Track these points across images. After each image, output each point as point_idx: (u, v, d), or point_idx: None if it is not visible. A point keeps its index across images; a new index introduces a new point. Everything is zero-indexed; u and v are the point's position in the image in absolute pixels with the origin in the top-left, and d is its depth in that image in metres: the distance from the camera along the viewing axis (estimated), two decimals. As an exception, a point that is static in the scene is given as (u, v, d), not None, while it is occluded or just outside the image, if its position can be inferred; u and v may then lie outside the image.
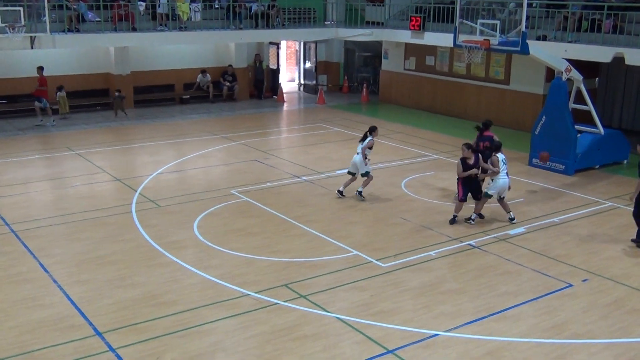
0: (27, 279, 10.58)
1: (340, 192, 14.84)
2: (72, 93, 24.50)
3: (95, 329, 9.01)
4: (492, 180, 13.25)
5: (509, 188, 13.43)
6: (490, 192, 13.22)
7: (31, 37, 20.49)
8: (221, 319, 9.35)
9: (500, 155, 13.16)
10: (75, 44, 22.42)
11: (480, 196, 13.23)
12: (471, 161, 13.05)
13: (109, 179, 16.16)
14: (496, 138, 13.85)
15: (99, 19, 22.54)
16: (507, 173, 13.20)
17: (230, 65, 27.59)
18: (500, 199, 13.41)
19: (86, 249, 11.80)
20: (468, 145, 13.24)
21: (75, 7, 22.12)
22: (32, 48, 20.80)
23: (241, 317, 9.43)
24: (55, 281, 10.49)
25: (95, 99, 25.19)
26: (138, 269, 10.99)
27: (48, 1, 20.43)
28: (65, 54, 24.19)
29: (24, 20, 20.07)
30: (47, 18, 20.36)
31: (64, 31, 21.61)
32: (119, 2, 22.98)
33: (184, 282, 10.51)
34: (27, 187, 15.47)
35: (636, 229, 12.34)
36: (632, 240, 12.48)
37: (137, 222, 13.18)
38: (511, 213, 13.51)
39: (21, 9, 19.86)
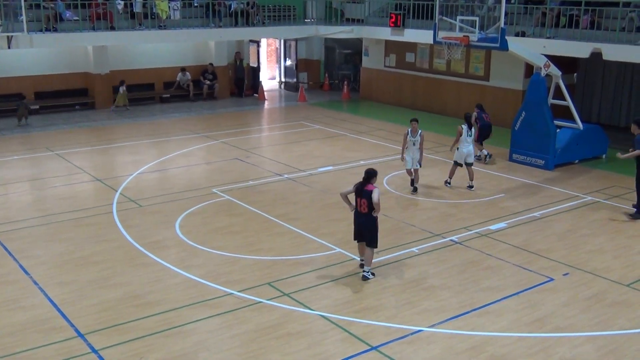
0: (7, 281, 10.47)
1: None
2: (50, 93, 24.33)
3: (77, 331, 8.95)
4: (457, 149, 15.37)
5: (479, 157, 16.45)
6: (458, 161, 15.42)
7: (8, 36, 20.22)
8: (204, 318, 9.32)
9: (464, 127, 15.25)
10: (53, 43, 22.19)
11: (375, 243, 10.74)
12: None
13: (89, 180, 16.03)
14: (471, 114, 16.34)
15: (77, 18, 22.33)
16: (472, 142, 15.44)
17: (211, 64, 27.48)
18: (467, 164, 15.35)
19: (67, 250, 11.70)
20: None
21: (52, 6, 21.89)
22: (9, 48, 20.52)
23: (225, 316, 9.41)
24: (36, 283, 10.39)
25: (74, 99, 24.96)
26: (120, 270, 10.92)
27: (25, 0, 20.21)
28: (43, 53, 23.94)
29: (1, 19, 19.83)
30: (24, 17, 20.12)
31: (41, 30, 21.37)
32: (96, 1, 22.77)
33: (166, 282, 10.47)
34: (6, 189, 15.29)
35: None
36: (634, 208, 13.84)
37: (119, 223, 13.09)
38: (472, 182, 15.39)
39: (-3, 8, 19.66)
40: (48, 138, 20.35)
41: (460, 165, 15.43)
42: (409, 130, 14.85)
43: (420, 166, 15.01)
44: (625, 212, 13.98)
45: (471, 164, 15.43)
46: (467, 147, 15.29)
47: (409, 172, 15.24)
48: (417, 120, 14.81)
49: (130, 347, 8.56)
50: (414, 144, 14.81)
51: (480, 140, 17.42)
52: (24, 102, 22.68)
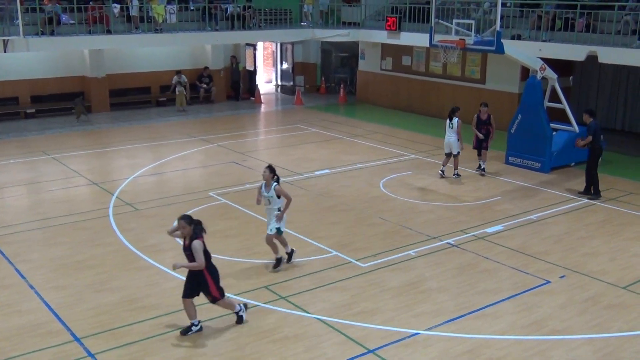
0: (3, 285, 10.44)
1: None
2: (46, 96, 24.30)
3: (73, 335, 8.92)
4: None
5: (462, 148, 16.42)
6: (446, 151, 16.49)
7: (4, 40, 20.20)
8: (201, 322, 9.29)
9: (455, 120, 16.21)
10: (49, 47, 22.16)
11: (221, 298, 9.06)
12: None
13: (85, 183, 16.00)
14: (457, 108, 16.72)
15: (73, 22, 22.30)
16: (456, 134, 16.17)
17: (207, 67, 27.48)
18: (450, 155, 16.46)
19: (63, 254, 11.67)
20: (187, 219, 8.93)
21: (51, 9, 21.80)
22: (5, 52, 20.52)
23: (221, 319, 9.39)
24: (32, 287, 10.36)
25: (70, 103, 24.86)
26: (116, 273, 10.90)
27: (21, 4, 20.19)
28: (39, 57, 23.92)
29: (-3, 23, 19.84)
30: (20, 21, 20.10)
31: (37, 34, 21.34)
32: (93, 5, 22.75)
33: (163, 286, 10.45)
34: (2, 193, 15.26)
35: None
36: (579, 192, 15.29)
37: (115, 226, 13.07)
38: (457, 171, 16.55)
39: (-7, 12, 19.63)
40: (44, 142, 20.31)
41: (448, 154, 16.52)
42: (262, 184, 10.81)
43: (276, 232, 10.78)
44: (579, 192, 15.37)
45: (451, 155, 16.47)
46: (448, 137, 16.29)
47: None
48: (271, 169, 10.66)
49: (126, 351, 8.54)
50: (269, 202, 10.76)
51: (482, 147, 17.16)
52: (80, 99, 23.56)
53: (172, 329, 9.11)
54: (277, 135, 22.35)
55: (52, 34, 21.65)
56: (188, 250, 8.72)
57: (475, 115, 17.04)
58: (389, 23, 24.63)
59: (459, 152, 16.45)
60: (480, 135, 16.74)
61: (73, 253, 11.72)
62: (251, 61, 29.31)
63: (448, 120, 16.34)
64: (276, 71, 31.96)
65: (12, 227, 13.01)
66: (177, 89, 25.60)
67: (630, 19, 18.36)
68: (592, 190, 15.12)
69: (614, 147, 19.49)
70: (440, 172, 16.66)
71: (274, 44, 31.48)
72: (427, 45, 18.51)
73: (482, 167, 17.11)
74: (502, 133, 18.69)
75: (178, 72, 26.64)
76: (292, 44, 29.84)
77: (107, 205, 14.32)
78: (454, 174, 16.57)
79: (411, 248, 12.07)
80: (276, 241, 10.98)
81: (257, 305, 9.78)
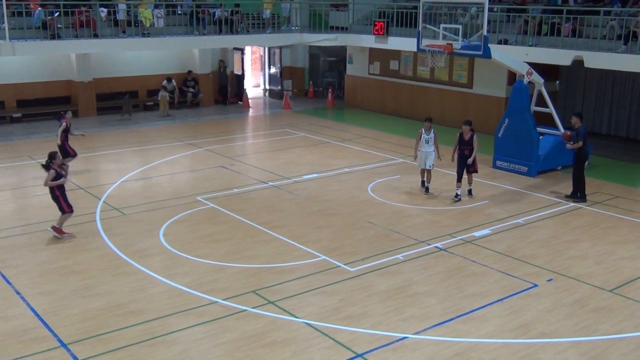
0: (-12, 291, 10.36)
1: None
2: (33, 101, 24.16)
3: (60, 341, 8.86)
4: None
5: (415, 157, 15.64)
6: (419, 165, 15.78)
7: (-10, 44, 20.10)
8: (189, 327, 9.26)
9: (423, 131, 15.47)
10: (35, 51, 22.03)
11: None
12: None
13: (72, 188, 15.88)
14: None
15: (60, 26, 22.19)
16: (432, 146, 15.43)
17: (190, 71, 27.42)
18: (427, 170, 15.64)
19: (49, 259, 11.59)
20: None
21: (43, 17, 21.67)
22: (-10, 55, 20.42)
23: (209, 324, 9.36)
24: (17, 292, 10.28)
25: (57, 107, 24.67)
26: (103, 279, 10.83)
27: (7, 8, 20.07)
28: (25, 61, 23.77)
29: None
30: (6, 25, 19.99)
31: (31, 38, 21.20)
32: (80, 9, 22.66)
33: (150, 291, 10.40)
34: (-13, 197, 15.16)
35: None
36: (566, 196, 15.36)
37: (102, 231, 13.00)
38: (428, 184, 15.70)
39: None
40: (30, 146, 20.17)
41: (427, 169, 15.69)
42: None
43: None
44: (565, 195, 15.47)
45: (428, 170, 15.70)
46: (422, 151, 15.51)
47: None
48: None
49: (113, 357, 8.49)
50: None
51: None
52: (128, 98, 24.54)
53: (159, 334, 9.07)
54: (265, 139, 22.34)
55: (53, 37, 21.52)
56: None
57: (458, 135, 15.28)
58: (376, 27, 24.69)
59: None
60: (453, 159, 15.32)
61: (59, 258, 11.64)
62: (239, 65, 29.31)
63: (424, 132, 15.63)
64: (264, 75, 31.96)
65: (-3, 232, 12.92)
66: (160, 93, 25.49)
67: (615, 24, 18.51)
68: (578, 194, 15.21)
69: (599, 151, 19.64)
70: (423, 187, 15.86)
71: (261, 48, 31.48)
72: (415, 49, 18.53)
73: (464, 192, 15.35)
74: (489, 137, 18.78)
75: (168, 78, 26.57)
76: (280, 48, 29.84)
77: (94, 210, 14.24)
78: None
79: (399, 252, 12.09)
80: None
81: (245, 310, 9.75)
